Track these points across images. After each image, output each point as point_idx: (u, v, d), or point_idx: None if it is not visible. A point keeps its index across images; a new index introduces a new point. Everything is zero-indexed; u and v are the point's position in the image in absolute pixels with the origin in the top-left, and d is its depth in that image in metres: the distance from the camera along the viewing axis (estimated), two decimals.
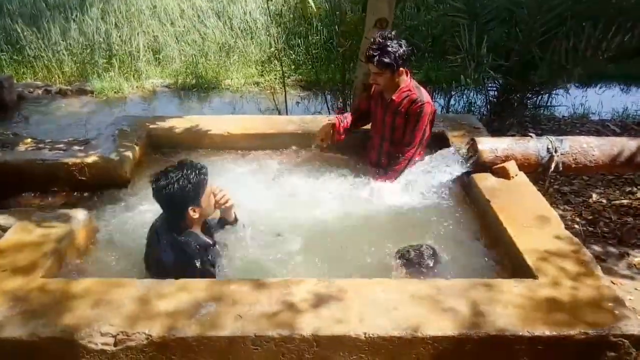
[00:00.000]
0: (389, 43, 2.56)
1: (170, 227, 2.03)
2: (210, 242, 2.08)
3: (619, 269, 2.73)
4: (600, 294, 1.76)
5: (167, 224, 2.05)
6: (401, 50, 2.59)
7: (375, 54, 2.57)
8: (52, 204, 2.73)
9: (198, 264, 1.95)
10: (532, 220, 2.21)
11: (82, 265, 2.13)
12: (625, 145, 2.68)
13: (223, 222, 2.34)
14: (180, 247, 1.98)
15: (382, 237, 2.35)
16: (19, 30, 6.61)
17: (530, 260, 1.94)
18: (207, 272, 1.99)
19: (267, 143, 3.30)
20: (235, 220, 2.34)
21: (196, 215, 2.02)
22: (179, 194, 1.94)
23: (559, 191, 3.67)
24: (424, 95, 2.73)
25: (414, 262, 2.14)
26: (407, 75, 2.75)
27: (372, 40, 2.66)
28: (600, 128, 4.92)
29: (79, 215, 2.21)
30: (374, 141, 2.99)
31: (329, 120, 3.03)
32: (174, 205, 1.98)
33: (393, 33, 2.69)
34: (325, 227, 2.46)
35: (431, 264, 2.14)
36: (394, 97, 2.75)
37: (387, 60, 2.57)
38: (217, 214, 2.31)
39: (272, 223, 2.46)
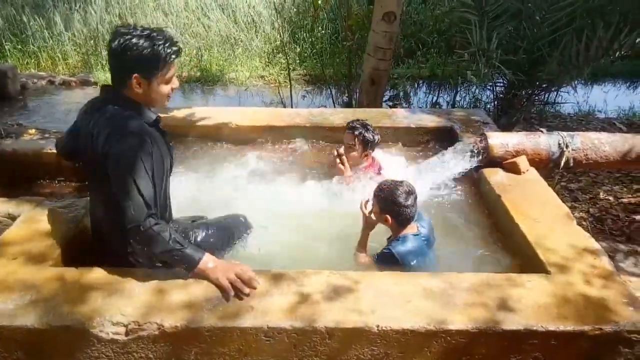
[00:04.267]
0: (369, 126, 2.74)
1: (109, 98, 1.74)
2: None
3: (628, 267, 2.71)
4: (613, 289, 1.75)
5: (106, 93, 1.77)
6: (376, 138, 2.75)
7: (358, 125, 2.72)
8: (61, 192, 2.73)
9: (146, 147, 1.64)
10: (543, 215, 2.20)
11: (91, 254, 2.11)
12: (636, 141, 2.67)
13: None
14: (123, 118, 1.68)
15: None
16: (24, 21, 6.58)
17: (542, 255, 1.92)
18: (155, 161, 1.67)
19: (276, 135, 3.29)
20: None
21: (139, 90, 1.70)
22: (134, 52, 1.62)
23: (566, 188, 3.65)
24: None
25: (384, 195, 2.02)
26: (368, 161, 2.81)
27: (355, 119, 2.81)
28: (607, 126, 4.90)
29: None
30: None
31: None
32: (119, 62, 1.67)
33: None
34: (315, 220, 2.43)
35: (401, 201, 1.98)
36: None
37: (367, 136, 2.71)
38: None
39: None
